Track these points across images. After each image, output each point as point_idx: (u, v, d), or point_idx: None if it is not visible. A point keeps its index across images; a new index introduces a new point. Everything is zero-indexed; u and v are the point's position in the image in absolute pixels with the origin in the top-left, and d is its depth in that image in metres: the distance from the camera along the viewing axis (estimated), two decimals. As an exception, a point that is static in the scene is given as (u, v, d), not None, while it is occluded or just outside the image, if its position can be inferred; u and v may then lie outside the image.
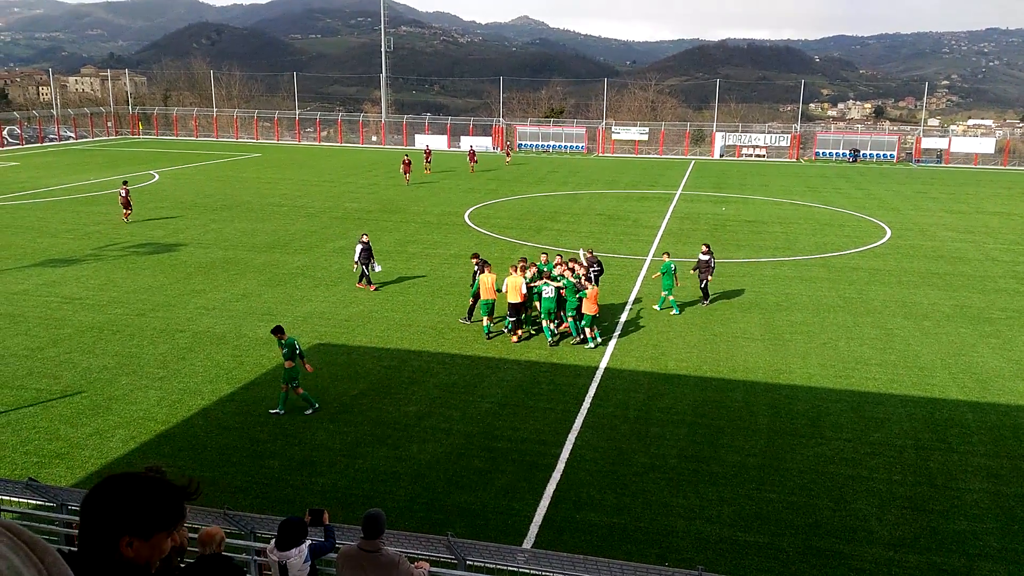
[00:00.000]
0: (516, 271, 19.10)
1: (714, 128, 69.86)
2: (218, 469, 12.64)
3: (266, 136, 74.90)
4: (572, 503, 11.73)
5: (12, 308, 20.71)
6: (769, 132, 70.10)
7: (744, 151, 66.49)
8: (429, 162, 51.10)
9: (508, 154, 60.15)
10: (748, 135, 68.25)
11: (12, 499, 10.05)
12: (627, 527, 11.14)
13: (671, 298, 21.24)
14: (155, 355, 17.54)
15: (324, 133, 75.32)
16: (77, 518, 8.45)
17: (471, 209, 37.13)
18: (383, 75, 77.92)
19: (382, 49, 77.26)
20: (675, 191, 44.84)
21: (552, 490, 12.06)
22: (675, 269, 21.15)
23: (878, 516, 11.50)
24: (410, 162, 44.48)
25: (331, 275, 24.61)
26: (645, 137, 69.29)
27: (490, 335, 19.19)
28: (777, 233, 32.55)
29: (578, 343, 18.61)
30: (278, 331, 14.89)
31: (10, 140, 67.00)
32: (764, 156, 65.83)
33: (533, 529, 11.07)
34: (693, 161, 63.20)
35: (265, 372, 16.72)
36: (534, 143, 69.00)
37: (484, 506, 11.67)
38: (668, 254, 21.98)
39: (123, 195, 31.78)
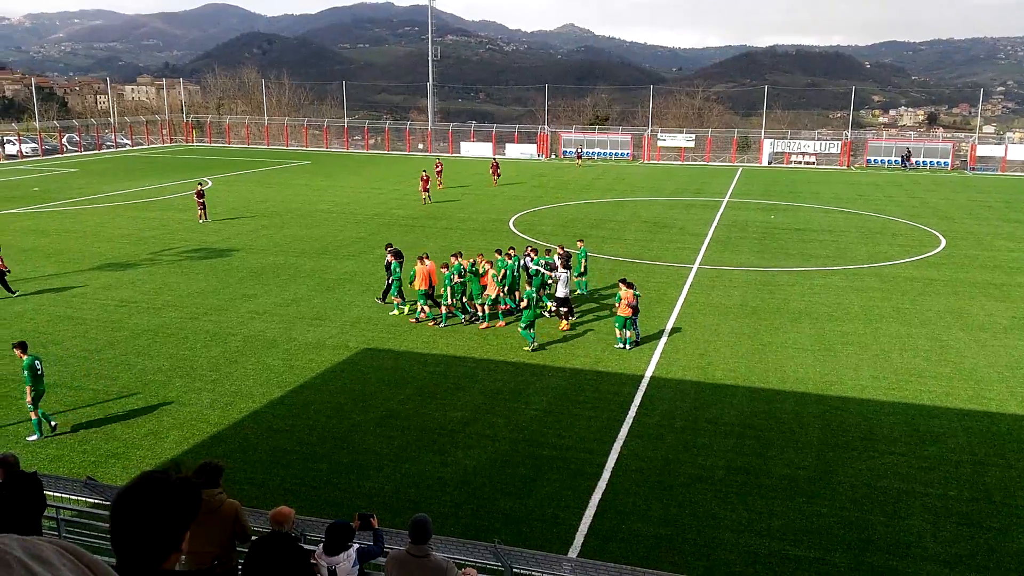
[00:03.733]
0: (425, 261, 20.84)
1: (762, 135, 68.98)
2: (268, 471, 12.86)
3: (315, 144, 76.11)
4: (618, 513, 11.66)
5: (71, 311, 21.36)
6: (819, 139, 68.93)
7: (793, 158, 65.51)
8: (440, 175, 46.45)
9: (579, 157, 63.22)
10: (797, 142, 67.25)
11: (71, 497, 10.33)
12: (674, 538, 11.04)
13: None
14: (208, 358, 17.93)
15: (372, 141, 76.25)
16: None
17: (516, 216, 37.23)
18: (430, 83, 78.64)
19: (429, 58, 78.04)
20: (722, 198, 44.37)
21: (597, 499, 12.00)
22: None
23: (933, 532, 11.21)
24: (428, 178, 41.18)
25: (378, 280, 24.85)
26: (691, 144, 68.73)
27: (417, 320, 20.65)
28: (827, 242, 31.99)
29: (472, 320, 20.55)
30: (21, 346, 14.07)
31: (69, 147, 69.17)
32: (814, 163, 64.77)
33: (579, 538, 11.03)
34: (740, 168, 62.48)
35: (315, 376, 16.97)
36: (574, 151, 68.89)
37: (529, 513, 11.67)
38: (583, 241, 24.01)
39: (199, 195, 33.72)
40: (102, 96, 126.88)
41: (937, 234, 33.68)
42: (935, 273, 26.69)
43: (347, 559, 7.32)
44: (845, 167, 63.77)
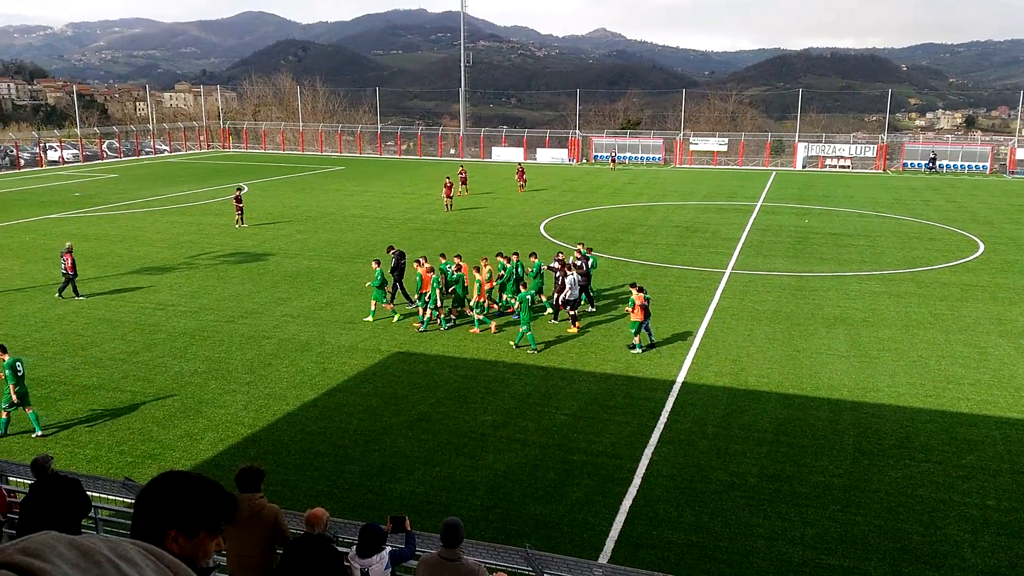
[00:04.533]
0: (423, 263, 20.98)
1: (796, 138, 68.25)
2: (301, 473, 13.01)
3: (349, 149, 76.84)
4: (649, 519, 11.60)
5: (110, 313, 21.80)
6: (854, 142, 68.03)
7: (828, 162, 64.71)
8: (465, 183, 46.14)
9: (613, 161, 63.71)
10: (832, 145, 66.42)
11: (109, 497, 10.53)
12: (706, 546, 10.96)
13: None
14: (243, 361, 18.18)
15: (404, 146, 76.81)
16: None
17: (547, 220, 37.25)
18: (462, 89, 79.05)
19: (461, 64, 78.44)
20: (755, 202, 43.97)
21: (628, 505, 11.96)
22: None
23: (971, 542, 10.99)
24: (452, 184, 40.55)
25: (410, 285, 25.01)
26: (724, 148, 68.22)
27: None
28: (863, 246, 31.55)
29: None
30: (1, 348, 14.50)
31: (109, 153, 70.62)
32: (849, 167, 63.91)
33: (609, 544, 11.00)
34: (774, 172, 61.87)
35: (347, 379, 17.13)
36: (608, 154, 68.77)
37: (560, 519, 11.66)
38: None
39: (237, 200, 34.54)
40: (141, 103, 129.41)
41: (975, 238, 33.04)
42: (973, 278, 26.19)
43: (379, 561, 7.39)
44: (881, 171, 62.85)
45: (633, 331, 18.90)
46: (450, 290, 21.29)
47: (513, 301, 20.85)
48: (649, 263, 28.38)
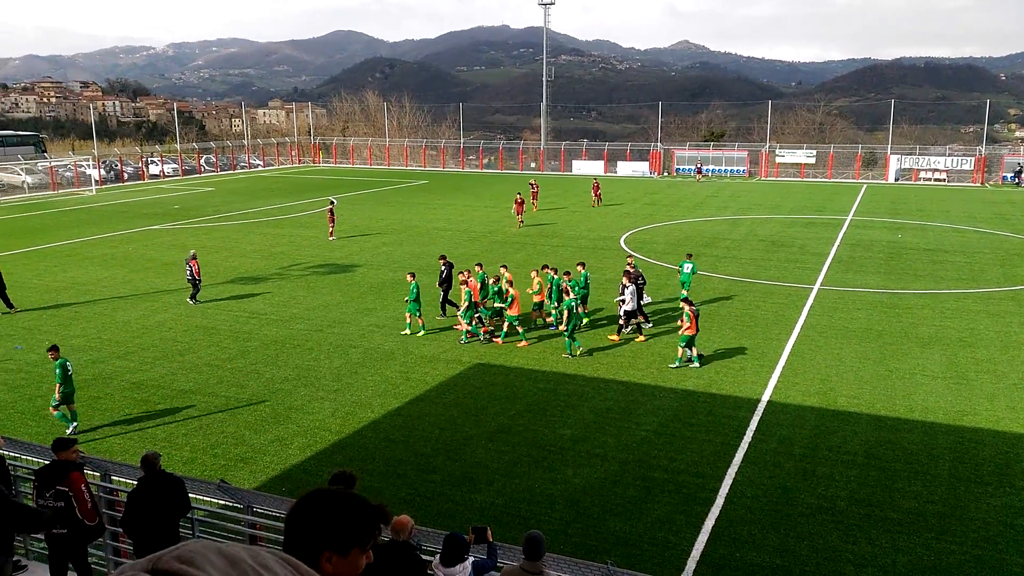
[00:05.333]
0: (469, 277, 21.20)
1: (888, 150, 65.93)
2: (385, 480, 13.30)
3: (432, 164, 78.22)
4: (732, 540, 11.39)
5: (206, 321, 22.78)
6: (950, 155, 65.19)
7: (922, 175, 62.26)
8: (535, 198, 45.32)
9: (699, 172, 63.55)
10: (926, 158, 63.89)
11: (204, 498, 10.99)
12: (791, 570, 10.68)
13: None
14: (330, 369, 18.73)
15: (486, 160, 77.70)
16: (261, 519, 9.11)
17: (627, 234, 37.04)
18: (543, 104, 79.52)
19: (543, 78, 78.95)
20: (845, 216, 42.64)
21: (711, 525, 11.76)
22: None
23: (1081, 580, 10.38)
24: (523, 200, 39.93)
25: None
26: (812, 160, 66.45)
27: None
28: (960, 263, 30.20)
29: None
30: (54, 350, 15.54)
31: (207, 167, 73.86)
32: (944, 180, 61.32)
33: (690, 564, 10.84)
34: (865, 185, 59.89)
35: (429, 389, 17.43)
36: (692, 167, 67.94)
37: (639, 536, 11.56)
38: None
39: (331, 212, 35.75)
40: (236, 119, 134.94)
41: (1087, 256, 31.18)
42: (1084, 298, 24.72)
43: (463, 571, 7.49)
44: (978, 184, 60.05)
45: (683, 344, 18.67)
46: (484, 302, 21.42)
47: (553, 311, 21.46)
48: (733, 278, 27.88)
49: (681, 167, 68.34)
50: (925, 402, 16.39)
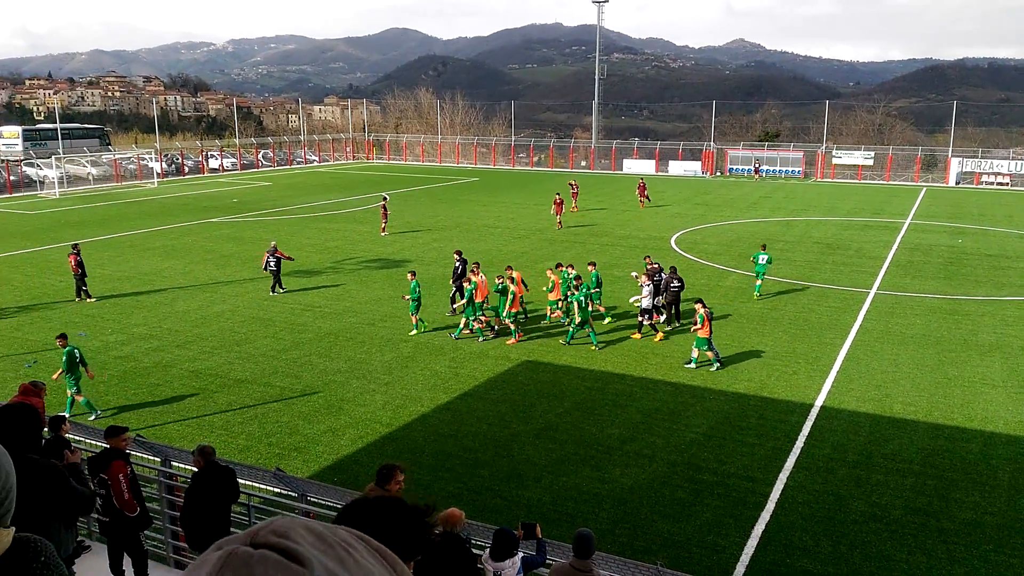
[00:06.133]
0: (478, 273, 21.58)
1: (949, 153, 64.07)
2: (434, 474, 13.46)
3: (483, 161, 78.54)
4: (783, 546, 11.26)
5: (263, 313, 23.30)
6: (1014, 158, 63.03)
7: (984, 178, 60.36)
8: (576, 197, 44.39)
9: (756, 172, 63.72)
10: (989, 161, 61.88)
11: (260, 486, 11.27)
12: (842, 577, 10.52)
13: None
14: (382, 362, 19.01)
15: (536, 158, 77.73)
16: (314, 508, 9.30)
17: (678, 234, 36.73)
18: (595, 102, 79.20)
19: (595, 77, 78.64)
20: (903, 220, 41.62)
21: (761, 530, 11.64)
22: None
23: None
24: (562, 201, 39.08)
25: (540, 295, 25.35)
26: (870, 162, 64.95)
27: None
28: (1023, 269, 29.28)
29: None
30: (62, 338, 16.02)
31: (264, 162, 75.35)
32: (1008, 184, 59.36)
33: (740, 568, 10.75)
34: (924, 188, 58.34)
35: (478, 384, 17.57)
36: (745, 167, 66.98)
37: (688, 538, 11.50)
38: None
39: (383, 207, 36.42)
40: (293, 115, 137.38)
41: None
42: None
43: (512, 566, 7.57)
44: (1049, 188, 57.98)
45: (698, 346, 18.62)
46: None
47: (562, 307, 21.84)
48: (786, 280, 27.45)
49: (734, 167, 67.44)
50: (985, 411, 15.95)
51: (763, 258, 24.95)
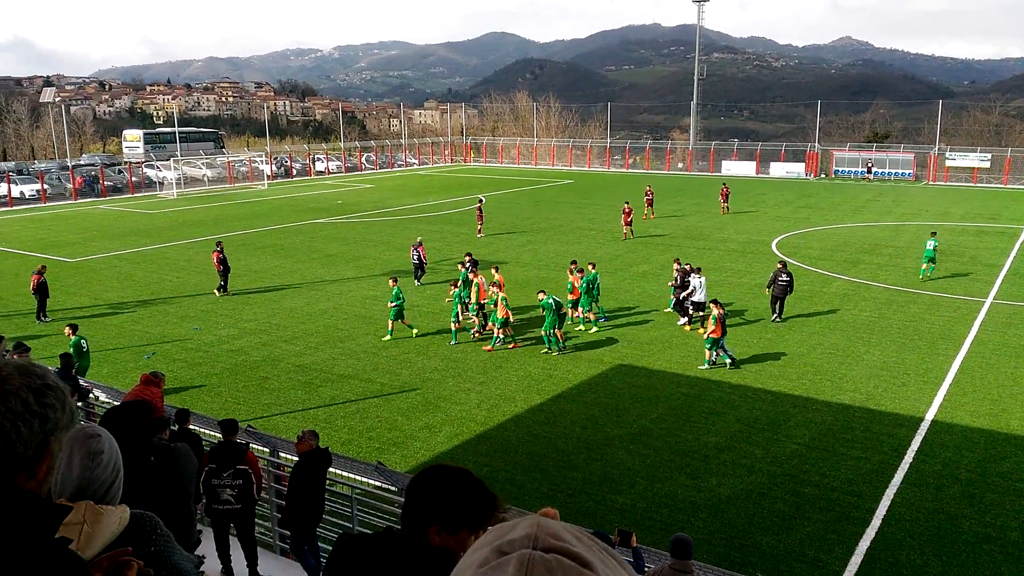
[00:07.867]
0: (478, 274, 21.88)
1: (1080, 155, 59.89)
2: (528, 474, 13.58)
3: (578, 164, 78.45)
4: (889, 564, 10.83)
5: (364, 310, 24.02)
6: None
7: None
8: (651, 205, 42.37)
9: (869, 172, 62.60)
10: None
11: (361, 479, 11.64)
12: (953, 600, 10.05)
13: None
14: (477, 361, 19.31)
15: (631, 160, 77.07)
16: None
17: (779, 237, 35.73)
18: (693, 103, 77.90)
19: (694, 77, 77.35)
20: (1022, 226, 39.23)
21: (865, 547, 11.23)
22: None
23: None
24: (631, 210, 35.79)
25: (633, 298, 25.20)
26: (987, 164, 61.42)
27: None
28: None
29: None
30: (72, 327, 16.58)
31: (367, 165, 77.56)
32: None
33: (842, 584, 10.42)
34: (1051, 193, 54.72)
35: (571, 387, 17.61)
36: (852, 169, 64.49)
37: (788, 552, 11.21)
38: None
39: (478, 209, 37.13)
40: (395, 119, 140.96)
41: None
42: None
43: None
44: None
45: (708, 347, 18.52)
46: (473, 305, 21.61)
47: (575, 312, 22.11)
48: (895, 287, 26.31)
49: (840, 168, 65.04)
50: (1117, 433, 14.88)
51: (931, 244, 26.84)
